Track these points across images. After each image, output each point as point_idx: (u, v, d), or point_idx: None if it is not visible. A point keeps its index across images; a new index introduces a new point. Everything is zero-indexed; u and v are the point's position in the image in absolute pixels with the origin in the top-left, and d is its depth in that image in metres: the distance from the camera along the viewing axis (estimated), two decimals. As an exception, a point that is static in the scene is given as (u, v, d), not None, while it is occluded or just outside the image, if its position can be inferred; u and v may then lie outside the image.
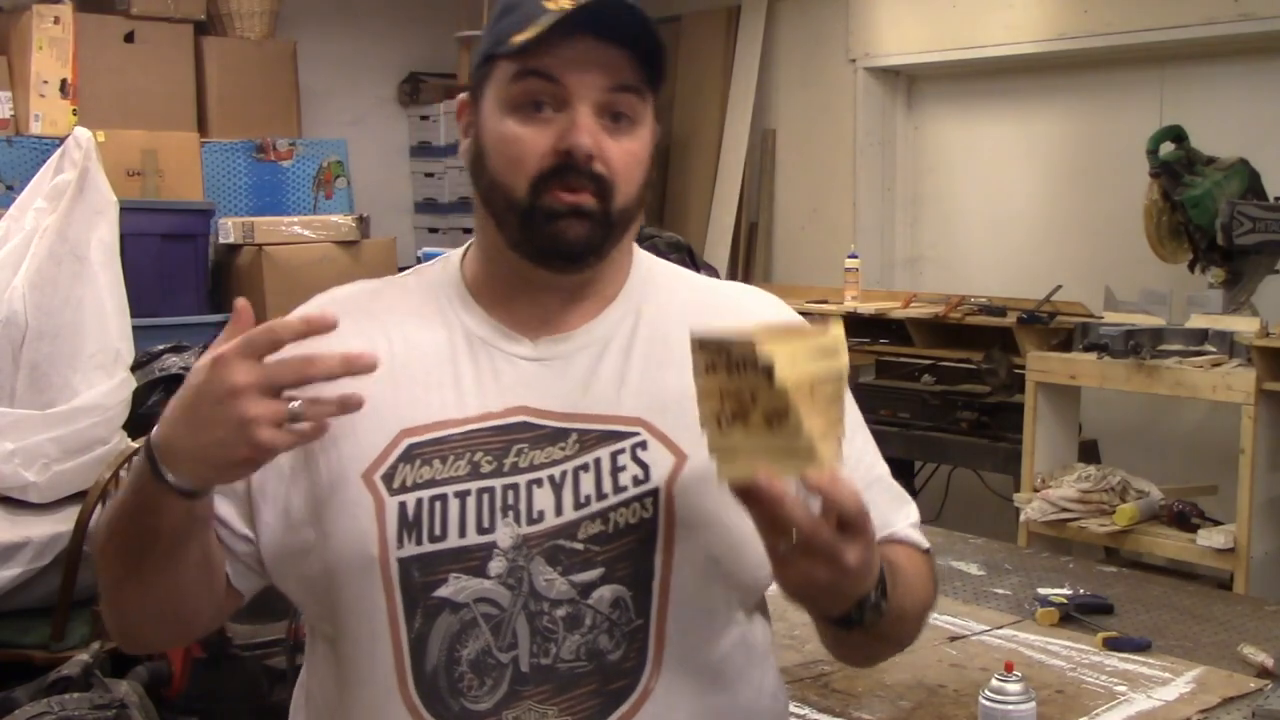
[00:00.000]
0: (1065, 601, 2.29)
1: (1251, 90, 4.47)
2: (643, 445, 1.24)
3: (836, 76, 5.59)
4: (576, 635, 1.21)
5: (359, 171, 5.81)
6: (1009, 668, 1.68)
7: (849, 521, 1.09)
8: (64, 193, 3.33)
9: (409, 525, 1.20)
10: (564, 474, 1.23)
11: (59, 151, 3.45)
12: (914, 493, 3.89)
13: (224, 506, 1.26)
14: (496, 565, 1.20)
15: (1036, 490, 3.95)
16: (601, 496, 1.22)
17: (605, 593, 1.22)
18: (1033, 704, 1.66)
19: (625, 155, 1.22)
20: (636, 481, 1.23)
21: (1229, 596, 2.93)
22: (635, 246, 1.36)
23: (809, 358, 1.07)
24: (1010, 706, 1.64)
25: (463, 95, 1.30)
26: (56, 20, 4.83)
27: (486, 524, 1.21)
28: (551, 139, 1.20)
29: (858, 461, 1.34)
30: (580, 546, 1.22)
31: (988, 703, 1.66)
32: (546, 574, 1.21)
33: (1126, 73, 4.81)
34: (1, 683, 2.90)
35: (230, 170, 5.40)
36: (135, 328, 3.51)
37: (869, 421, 1.41)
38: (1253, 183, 4.04)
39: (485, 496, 1.21)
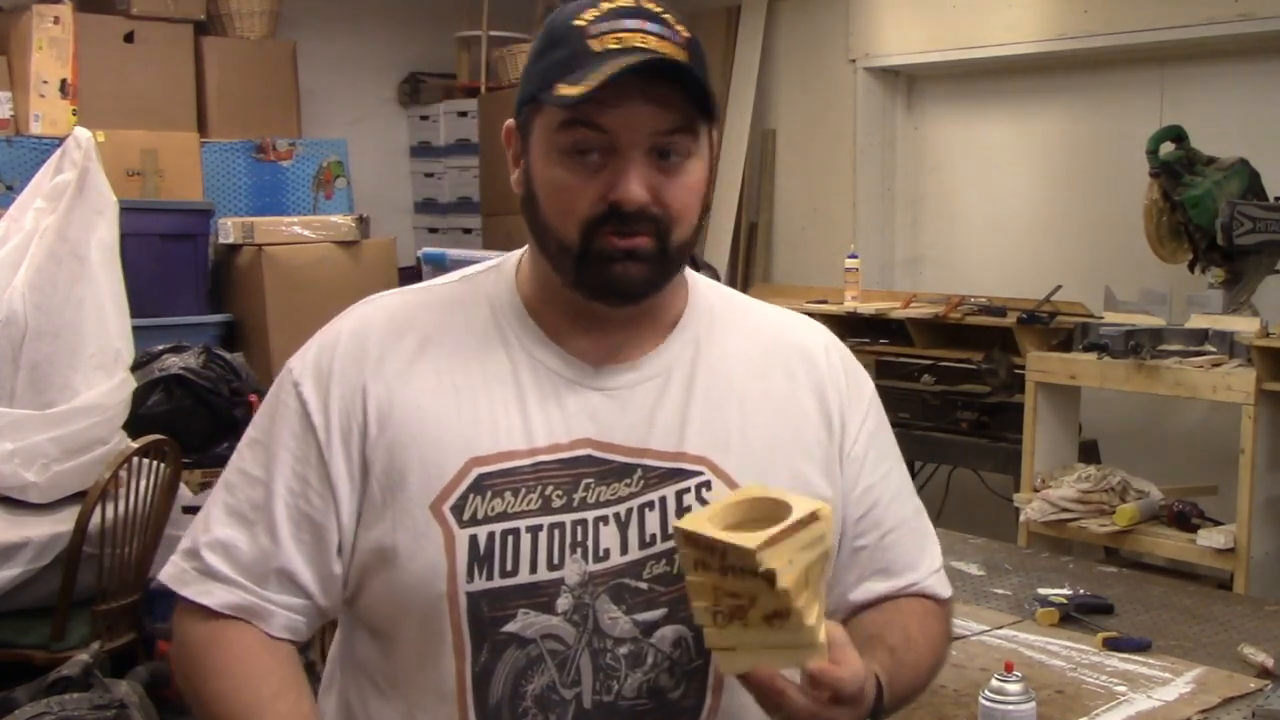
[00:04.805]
0: (1065, 601, 2.29)
1: (1251, 90, 4.47)
2: (707, 485, 1.24)
3: (836, 76, 5.59)
4: (638, 673, 1.21)
5: (359, 171, 5.81)
6: (1009, 668, 1.68)
7: (844, 698, 1.12)
8: (64, 193, 3.34)
9: (480, 559, 1.19)
10: (629, 511, 1.22)
11: (59, 151, 3.45)
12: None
13: (306, 570, 1.25)
14: (564, 602, 1.20)
15: (1036, 490, 3.95)
16: (667, 536, 1.22)
17: (667, 632, 1.22)
18: (1033, 704, 1.65)
19: (682, 192, 1.20)
20: None
21: (1229, 596, 2.92)
22: (689, 270, 1.33)
23: (801, 550, 1.07)
24: (1010, 706, 1.64)
25: (509, 122, 1.27)
26: (56, 20, 4.83)
27: (556, 560, 1.20)
28: (600, 187, 1.18)
29: (890, 502, 1.34)
30: (645, 586, 1.22)
31: (988, 703, 1.65)
32: (611, 612, 1.21)
33: (1126, 73, 4.80)
34: (1, 683, 2.90)
35: (230, 170, 5.39)
36: (135, 328, 3.52)
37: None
38: (1253, 183, 4.04)
39: (556, 532, 1.21)
